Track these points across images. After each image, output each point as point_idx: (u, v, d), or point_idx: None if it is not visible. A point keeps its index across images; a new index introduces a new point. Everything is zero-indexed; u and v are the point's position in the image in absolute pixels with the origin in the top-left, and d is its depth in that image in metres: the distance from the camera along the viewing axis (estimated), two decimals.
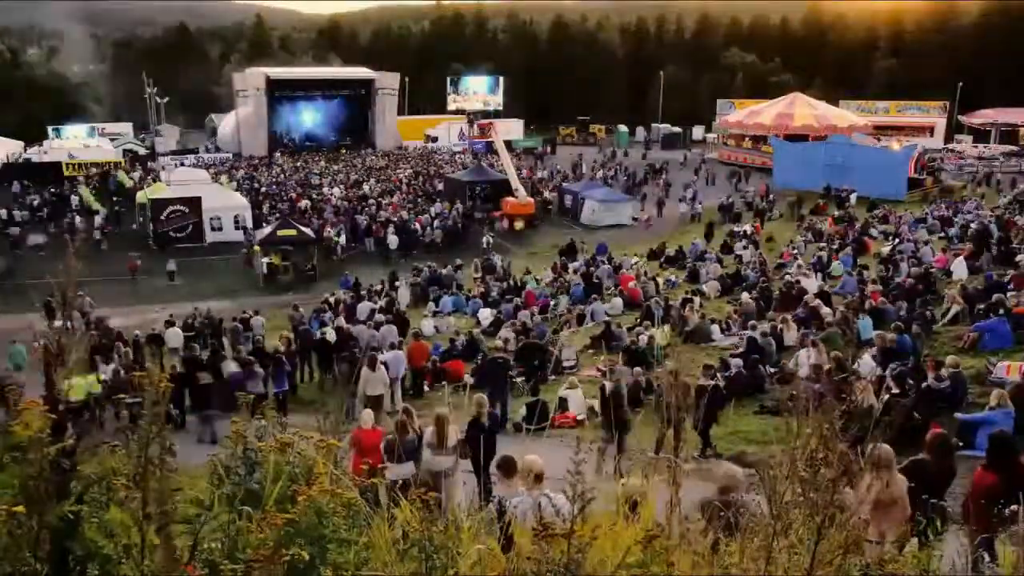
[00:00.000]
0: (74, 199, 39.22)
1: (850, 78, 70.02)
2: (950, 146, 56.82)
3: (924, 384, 10.59)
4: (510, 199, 36.95)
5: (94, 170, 46.00)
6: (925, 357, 12.50)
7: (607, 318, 18.91)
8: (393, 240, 32.30)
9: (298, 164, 52.28)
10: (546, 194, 40.98)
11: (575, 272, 26.16)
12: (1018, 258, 19.41)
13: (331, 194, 41.38)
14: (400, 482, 7.49)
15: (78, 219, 34.76)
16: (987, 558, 3.24)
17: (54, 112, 62.61)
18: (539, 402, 12.68)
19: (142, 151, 56.81)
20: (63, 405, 2.18)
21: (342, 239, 32.34)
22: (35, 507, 1.92)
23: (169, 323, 19.74)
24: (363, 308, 20.92)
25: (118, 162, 49.32)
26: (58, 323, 2.23)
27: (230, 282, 28.39)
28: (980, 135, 58.21)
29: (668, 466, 2.61)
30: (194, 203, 32.95)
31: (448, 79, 67.67)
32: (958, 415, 9.52)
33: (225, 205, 34.24)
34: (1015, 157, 48.31)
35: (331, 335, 16.91)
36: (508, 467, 5.27)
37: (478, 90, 67.52)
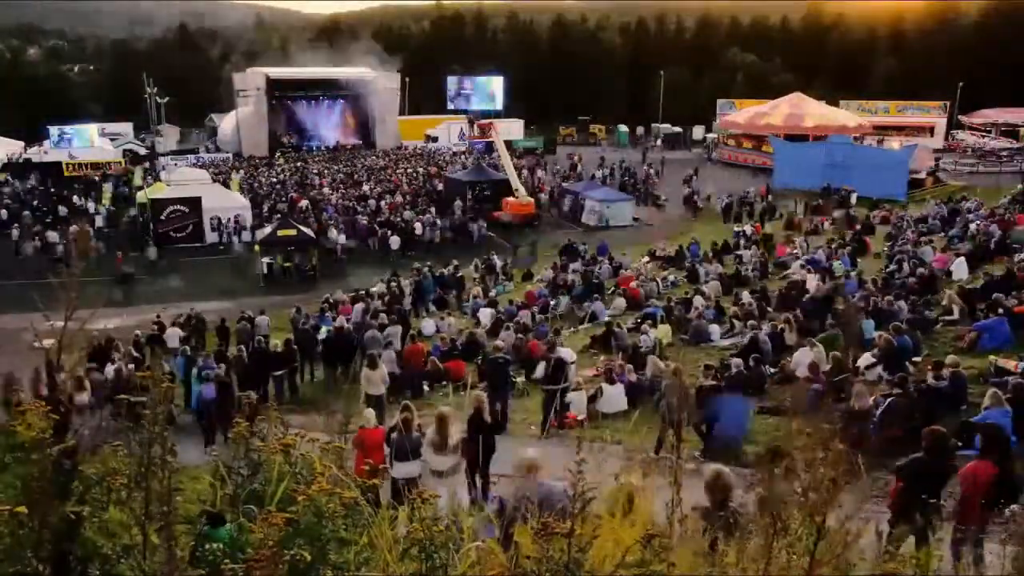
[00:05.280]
0: (76, 199, 39.25)
1: (850, 78, 69.91)
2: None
3: (924, 384, 10.60)
4: (510, 199, 36.96)
5: (91, 171, 46.15)
6: (925, 357, 12.52)
7: (608, 318, 18.93)
8: (394, 240, 32.33)
9: (298, 164, 52.25)
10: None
11: (574, 272, 26.15)
12: (1018, 258, 19.44)
13: (331, 194, 41.38)
14: (405, 481, 7.51)
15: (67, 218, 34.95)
16: (974, 557, 3.24)
17: (54, 112, 62.53)
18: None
19: (142, 151, 56.79)
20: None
21: (341, 239, 32.35)
22: (37, 507, 1.93)
23: (161, 325, 19.70)
24: (359, 308, 20.91)
25: (118, 162, 49.36)
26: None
27: (230, 282, 28.40)
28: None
29: (670, 466, 2.62)
30: (194, 203, 32.96)
31: (448, 79, 67.65)
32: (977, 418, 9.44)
33: (225, 205, 34.24)
34: (1016, 156, 48.28)
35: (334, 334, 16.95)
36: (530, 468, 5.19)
37: (478, 90, 67.57)
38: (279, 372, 15.46)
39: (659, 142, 63.69)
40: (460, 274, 26.76)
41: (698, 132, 67.32)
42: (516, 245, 32.70)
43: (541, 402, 12.66)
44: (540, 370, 12.60)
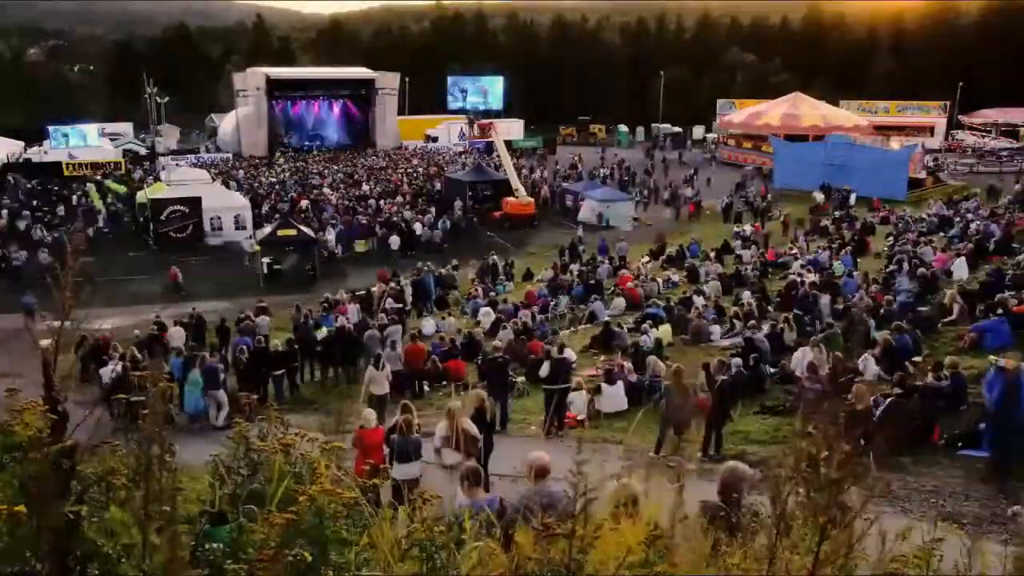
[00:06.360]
0: (75, 199, 39.22)
1: (850, 78, 69.96)
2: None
3: (924, 384, 10.59)
4: (510, 199, 36.95)
5: (91, 171, 46.14)
6: (925, 357, 12.51)
7: (607, 318, 18.92)
8: (395, 240, 32.32)
9: (298, 164, 52.24)
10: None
11: (572, 272, 26.12)
12: (1019, 258, 19.44)
13: (331, 194, 41.34)
14: (405, 482, 7.50)
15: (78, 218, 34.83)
16: None
17: (54, 112, 62.53)
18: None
19: (142, 151, 56.77)
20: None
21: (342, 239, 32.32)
22: (36, 507, 1.91)
23: (161, 325, 19.62)
24: (354, 309, 20.89)
25: (118, 162, 49.30)
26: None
27: (230, 282, 28.34)
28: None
29: (671, 466, 2.61)
30: (194, 203, 32.93)
31: (448, 79, 67.57)
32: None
33: (225, 205, 34.21)
34: (1016, 156, 48.32)
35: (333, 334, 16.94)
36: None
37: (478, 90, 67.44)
38: (279, 372, 15.44)
39: (667, 142, 63.64)
40: (452, 273, 26.79)
41: (698, 132, 67.35)
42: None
43: (544, 401, 12.61)
44: (545, 369, 12.54)
